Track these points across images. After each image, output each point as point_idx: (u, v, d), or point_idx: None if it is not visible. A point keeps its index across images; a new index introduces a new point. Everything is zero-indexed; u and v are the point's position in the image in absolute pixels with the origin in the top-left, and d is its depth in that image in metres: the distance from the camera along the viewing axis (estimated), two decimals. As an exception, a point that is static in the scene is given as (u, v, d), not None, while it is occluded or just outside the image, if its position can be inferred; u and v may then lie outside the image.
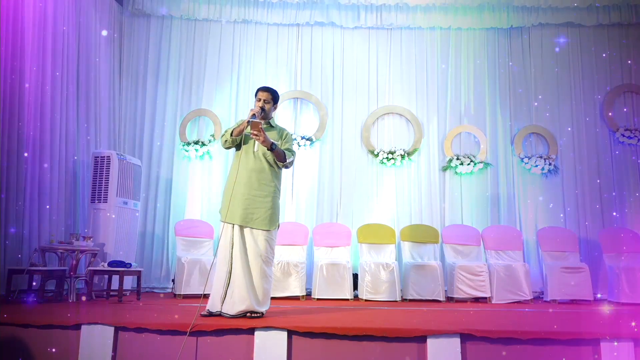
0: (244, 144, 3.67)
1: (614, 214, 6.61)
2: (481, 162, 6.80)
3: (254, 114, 3.56)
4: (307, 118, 7.05)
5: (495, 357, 2.92)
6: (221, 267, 3.56)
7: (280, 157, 3.64)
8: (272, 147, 3.55)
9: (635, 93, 6.95)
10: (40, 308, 3.98)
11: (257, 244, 3.56)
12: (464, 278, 5.74)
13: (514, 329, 3.04)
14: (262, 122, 3.58)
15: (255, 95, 3.77)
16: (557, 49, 7.00)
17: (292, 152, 3.76)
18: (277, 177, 3.74)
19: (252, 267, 3.53)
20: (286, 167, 3.74)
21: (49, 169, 5.39)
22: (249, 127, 3.53)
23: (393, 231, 6.37)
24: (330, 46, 7.21)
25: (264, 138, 3.48)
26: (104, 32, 6.47)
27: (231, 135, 3.64)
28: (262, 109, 3.68)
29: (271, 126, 3.80)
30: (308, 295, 5.89)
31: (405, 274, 5.91)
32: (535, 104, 6.98)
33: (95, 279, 5.13)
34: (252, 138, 3.60)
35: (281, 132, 3.81)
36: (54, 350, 3.06)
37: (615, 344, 2.88)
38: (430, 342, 2.92)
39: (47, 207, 5.34)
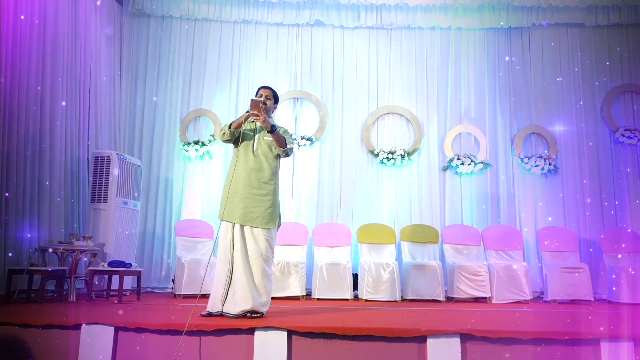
0: (242, 142, 3.67)
1: (614, 213, 6.61)
2: (481, 162, 6.80)
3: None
4: (307, 118, 7.05)
5: (495, 357, 2.91)
6: (222, 267, 3.55)
7: (280, 142, 3.62)
8: (272, 129, 3.54)
9: (635, 93, 6.95)
10: (40, 308, 3.99)
11: (258, 243, 3.56)
12: (464, 278, 5.74)
13: (514, 329, 3.04)
14: (262, 99, 3.58)
15: (256, 92, 3.80)
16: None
17: (291, 141, 3.75)
18: (276, 175, 3.74)
19: (254, 267, 3.53)
20: (287, 154, 3.71)
21: (49, 169, 5.39)
22: (251, 110, 3.51)
23: (393, 231, 6.37)
24: (330, 46, 7.21)
25: (264, 118, 3.48)
26: (105, 33, 6.46)
27: (229, 127, 3.63)
28: (264, 102, 3.66)
29: None
30: (308, 295, 5.89)
31: (405, 274, 5.90)
32: (535, 104, 6.98)
33: (95, 279, 5.13)
34: (252, 120, 3.62)
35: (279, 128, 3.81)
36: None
37: (615, 344, 2.88)
38: (430, 342, 2.92)
39: (47, 207, 5.34)
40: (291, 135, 4.06)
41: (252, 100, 3.49)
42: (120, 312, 3.60)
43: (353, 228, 6.48)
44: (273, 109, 3.81)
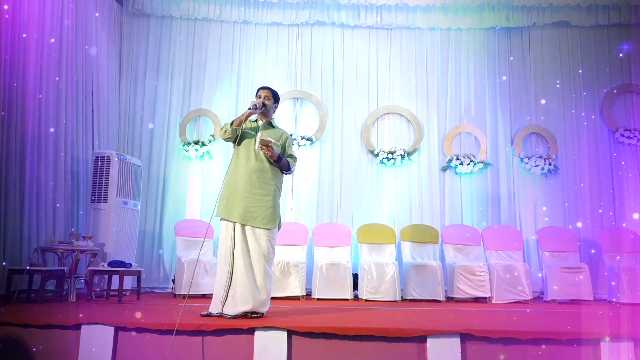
0: (243, 140, 3.68)
1: (614, 213, 6.60)
2: (481, 162, 6.80)
3: (255, 105, 3.62)
4: (307, 118, 7.05)
5: (495, 357, 2.91)
6: (222, 268, 3.55)
7: (284, 167, 3.71)
8: (278, 159, 3.62)
9: (635, 93, 6.94)
10: (40, 308, 3.98)
11: (260, 243, 3.56)
12: (464, 278, 5.74)
13: (514, 329, 3.04)
14: (272, 141, 3.55)
15: (256, 93, 3.81)
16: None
17: (295, 158, 3.82)
18: (277, 176, 3.75)
19: (256, 267, 3.52)
20: (289, 174, 3.83)
21: (49, 169, 5.39)
22: (260, 146, 3.54)
23: (393, 231, 6.37)
24: (330, 46, 7.21)
25: (272, 153, 3.55)
26: (105, 33, 6.46)
27: (231, 125, 3.65)
28: (263, 103, 3.70)
29: (272, 125, 3.83)
30: (308, 295, 5.89)
31: (405, 274, 5.90)
32: (535, 104, 6.98)
33: (95, 279, 5.13)
34: (255, 120, 3.72)
35: (281, 134, 3.82)
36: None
37: (616, 344, 2.88)
38: (430, 342, 2.92)
39: (47, 207, 5.34)
40: (293, 139, 4.13)
41: (261, 139, 3.49)
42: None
43: (353, 228, 6.47)
44: (274, 108, 3.83)
